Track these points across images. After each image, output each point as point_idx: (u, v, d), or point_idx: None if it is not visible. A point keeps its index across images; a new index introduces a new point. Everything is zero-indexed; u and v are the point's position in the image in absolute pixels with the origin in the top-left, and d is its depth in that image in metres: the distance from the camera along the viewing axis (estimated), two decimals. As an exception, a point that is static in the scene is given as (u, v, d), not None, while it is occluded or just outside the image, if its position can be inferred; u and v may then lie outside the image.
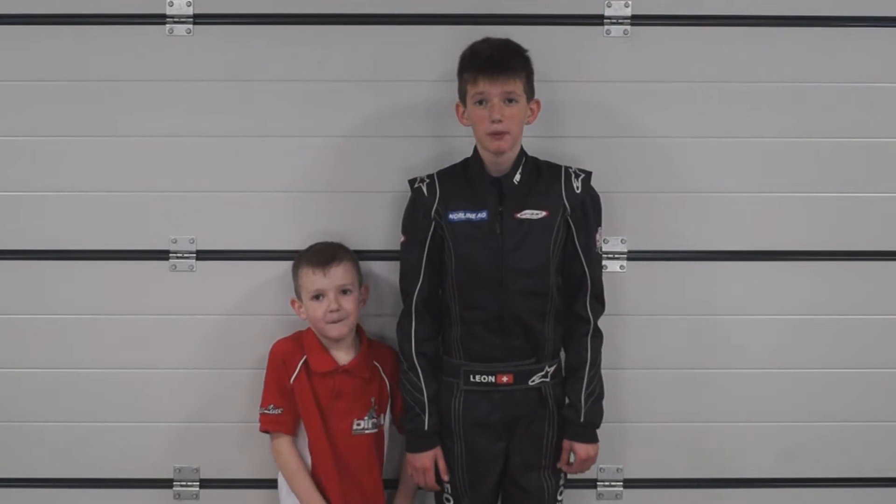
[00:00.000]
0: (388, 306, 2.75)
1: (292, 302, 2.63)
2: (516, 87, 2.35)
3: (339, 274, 2.54)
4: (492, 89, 2.34)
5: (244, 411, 2.73)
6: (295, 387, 2.57)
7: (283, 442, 2.58)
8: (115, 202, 2.73)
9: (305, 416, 2.57)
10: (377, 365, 2.63)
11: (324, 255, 2.57)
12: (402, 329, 2.52)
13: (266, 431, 2.60)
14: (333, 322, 2.53)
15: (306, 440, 2.58)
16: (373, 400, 2.60)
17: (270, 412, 2.58)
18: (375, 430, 2.60)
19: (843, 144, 2.74)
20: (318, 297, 2.55)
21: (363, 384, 2.59)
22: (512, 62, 2.36)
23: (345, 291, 2.55)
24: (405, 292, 2.52)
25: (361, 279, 2.63)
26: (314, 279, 2.54)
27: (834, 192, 2.76)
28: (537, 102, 2.45)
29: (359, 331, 2.66)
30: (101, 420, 2.79)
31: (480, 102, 2.36)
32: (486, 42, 2.43)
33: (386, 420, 2.64)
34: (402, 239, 2.54)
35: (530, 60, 2.42)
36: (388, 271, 2.73)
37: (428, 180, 2.51)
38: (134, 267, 2.74)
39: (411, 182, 2.53)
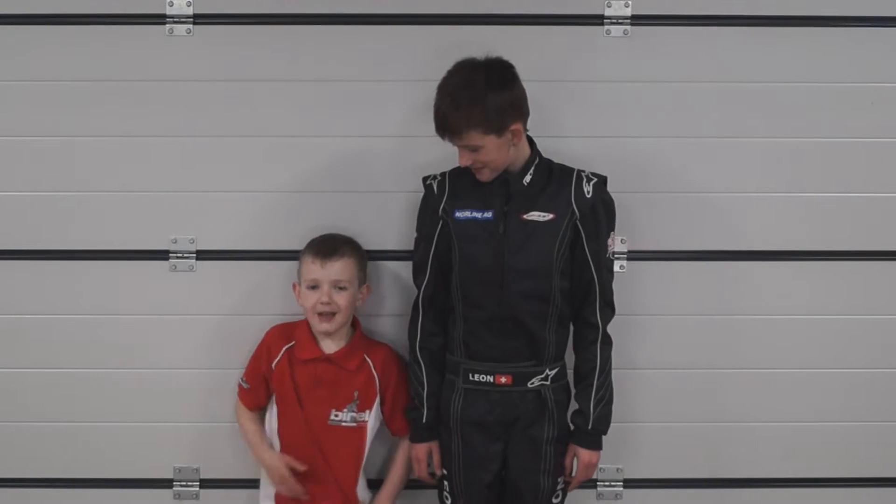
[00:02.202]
0: (387, 307, 2.75)
1: (294, 286, 2.64)
2: (471, 139, 2.32)
3: (336, 268, 2.54)
4: (454, 143, 2.37)
5: (244, 411, 2.73)
6: (276, 371, 2.60)
7: (242, 408, 2.68)
8: (115, 202, 2.73)
9: (281, 401, 2.60)
10: (367, 360, 2.62)
11: (326, 246, 2.57)
12: (410, 323, 2.58)
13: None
14: (322, 315, 2.54)
15: (274, 423, 2.62)
16: (355, 394, 2.59)
17: (243, 384, 2.67)
18: (354, 425, 2.59)
19: (843, 144, 2.74)
20: (313, 287, 2.55)
21: (347, 376, 2.59)
22: (459, 123, 2.30)
23: (341, 287, 2.55)
24: (416, 287, 2.57)
25: (364, 277, 2.63)
26: (312, 269, 2.55)
27: (834, 191, 2.76)
28: (514, 131, 2.35)
29: (355, 324, 2.66)
30: (102, 420, 2.79)
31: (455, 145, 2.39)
32: (440, 97, 2.34)
33: (370, 417, 2.62)
34: (416, 235, 2.58)
35: (496, 95, 2.29)
36: (387, 271, 2.74)
37: (439, 178, 2.54)
38: (134, 267, 2.74)
39: (424, 180, 2.56)
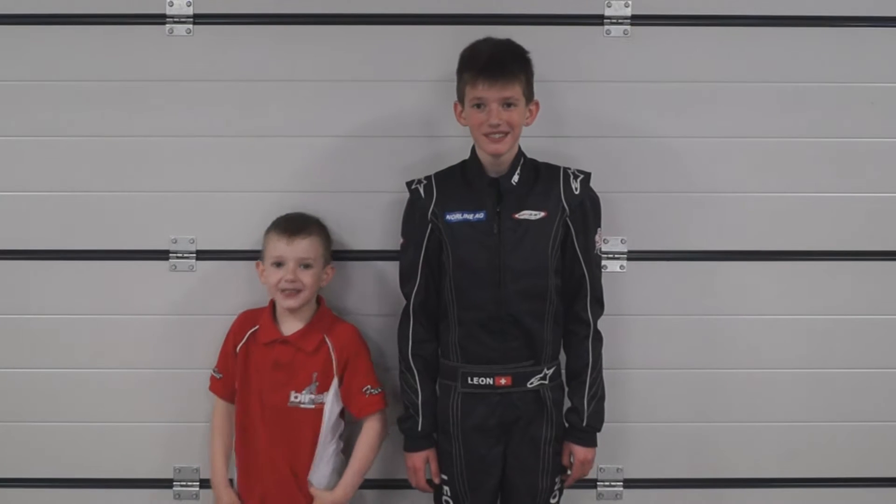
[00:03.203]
0: (387, 306, 2.75)
1: (257, 265, 2.63)
2: (515, 91, 2.34)
3: (302, 246, 2.53)
4: (490, 94, 2.33)
5: (244, 411, 2.73)
6: (239, 355, 2.61)
7: (219, 404, 2.68)
8: (116, 202, 2.73)
9: (239, 384, 2.60)
10: (327, 341, 2.58)
11: (293, 224, 2.57)
12: (400, 330, 2.54)
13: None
14: (286, 293, 2.53)
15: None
16: (314, 375, 2.57)
17: (215, 375, 2.68)
18: (313, 407, 2.56)
19: (843, 144, 2.74)
20: (278, 264, 2.54)
21: (305, 357, 2.57)
22: (512, 66, 2.34)
23: (306, 265, 2.54)
24: (404, 294, 2.53)
25: (329, 257, 2.62)
26: (278, 246, 2.54)
27: (833, 192, 2.76)
28: (536, 104, 2.44)
29: (320, 301, 2.64)
30: (101, 420, 2.79)
31: (479, 106, 2.36)
32: (487, 42, 2.41)
33: (328, 399, 2.57)
34: (402, 241, 2.54)
35: (531, 62, 2.41)
36: (387, 272, 2.73)
37: (425, 182, 2.51)
38: (134, 267, 2.74)
39: (409, 184, 2.53)
